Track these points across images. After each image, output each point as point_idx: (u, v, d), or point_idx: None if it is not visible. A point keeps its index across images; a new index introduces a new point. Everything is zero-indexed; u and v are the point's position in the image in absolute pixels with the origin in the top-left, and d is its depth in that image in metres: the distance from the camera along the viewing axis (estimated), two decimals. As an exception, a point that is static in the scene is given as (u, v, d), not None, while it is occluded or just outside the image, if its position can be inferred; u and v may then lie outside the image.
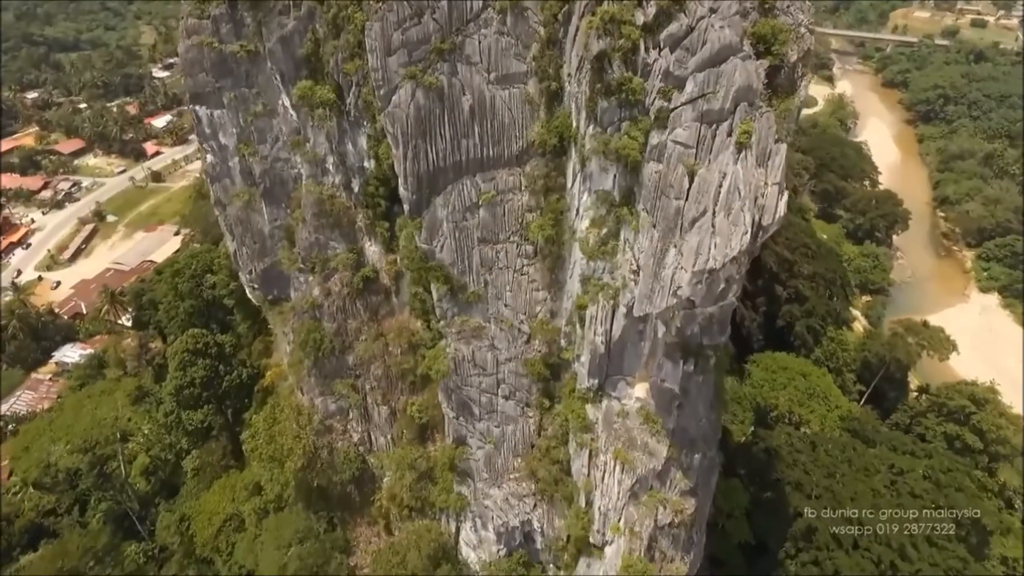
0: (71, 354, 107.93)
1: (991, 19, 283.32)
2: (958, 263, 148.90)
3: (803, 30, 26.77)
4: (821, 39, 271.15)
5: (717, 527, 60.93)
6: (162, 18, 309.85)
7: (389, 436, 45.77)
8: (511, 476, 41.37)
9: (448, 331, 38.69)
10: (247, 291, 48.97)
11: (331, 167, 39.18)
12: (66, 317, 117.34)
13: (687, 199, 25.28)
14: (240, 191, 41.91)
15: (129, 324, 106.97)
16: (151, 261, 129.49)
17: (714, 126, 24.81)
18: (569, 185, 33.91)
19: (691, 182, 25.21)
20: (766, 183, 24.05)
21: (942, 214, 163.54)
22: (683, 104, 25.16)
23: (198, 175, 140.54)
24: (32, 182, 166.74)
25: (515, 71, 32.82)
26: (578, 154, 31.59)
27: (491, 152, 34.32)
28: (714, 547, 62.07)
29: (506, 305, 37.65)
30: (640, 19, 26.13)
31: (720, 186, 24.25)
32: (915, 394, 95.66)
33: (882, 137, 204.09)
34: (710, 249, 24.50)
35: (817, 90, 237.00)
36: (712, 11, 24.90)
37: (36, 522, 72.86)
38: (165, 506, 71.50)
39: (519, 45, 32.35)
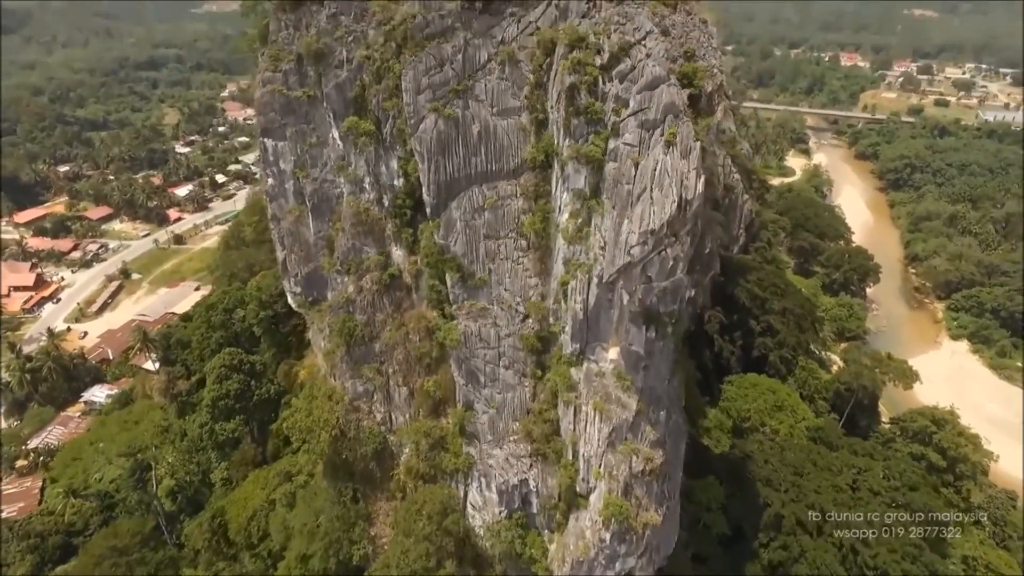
0: (99, 394, 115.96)
1: (952, 99, 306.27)
2: (930, 314, 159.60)
3: (715, 71, 37.94)
4: (797, 116, 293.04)
5: (699, 523, 67.88)
6: (184, 101, 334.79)
7: (408, 415, 54.18)
8: (511, 438, 49.61)
9: (459, 312, 48.20)
10: (289, 297, 58.48)
11: (368, 186, 49.95)
12: (94, 362, 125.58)
13: (634, 183, 35.60)
14: (292, 208, 52.54)
15: (154, 368, 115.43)
16: (173, 313, 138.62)
17: (651, 131, 35.48)
18: (553, 191, 44.46)
19: (636, 170, 35.60)
20: (688, 169, 34.36)
21: (913, 270, 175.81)
22: (628, 116, 35.98)
23: (224, 231, 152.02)
24: (63, 244, 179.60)
25: (512, 106, 44.17)
26: (559, 163, 42.32)
27: (494, 167, 45.19)
28: (697, 545, 68.79)
29: (506, 289, 47.37)
30: (598, 61, 37.55)
31: (655, 170, 34.63)
32: (887, 425, 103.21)
33: (855, 202, 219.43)
34: (650, 215, 34.59)
35: (795, 161, 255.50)
36: (648, 55, 36.18)
37: (67, 540, 79.17)
38: (190, 521, 77.99)
39: (514, 87, 43.83)
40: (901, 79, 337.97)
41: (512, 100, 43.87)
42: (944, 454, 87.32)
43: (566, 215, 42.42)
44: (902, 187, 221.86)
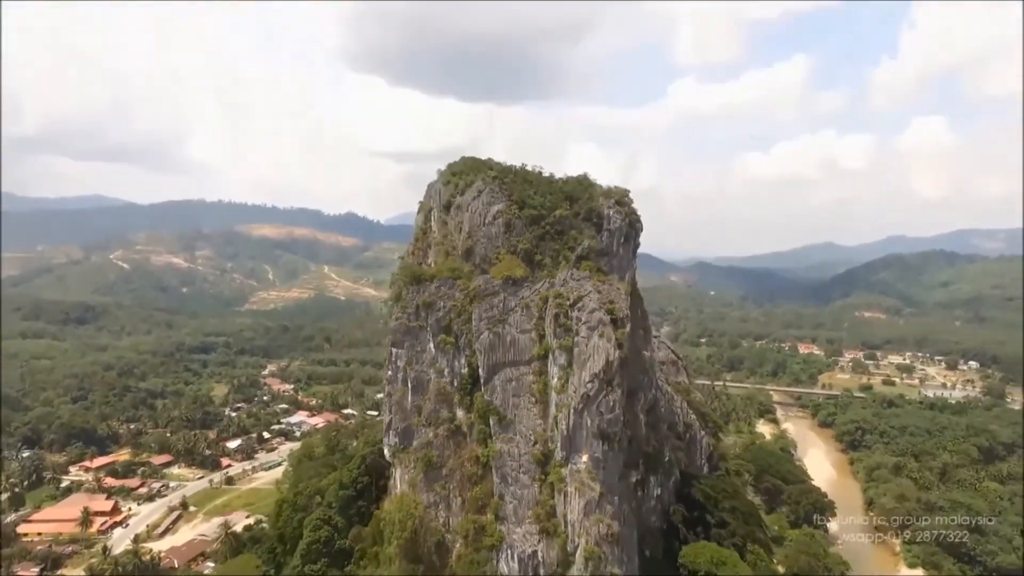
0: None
1: (897, 380, 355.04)
2: (889, 548, 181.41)
3: (624, 310, 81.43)
4: (764, 392, 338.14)
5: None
6: (231, 377, 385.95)
7: (460, 518, 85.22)
8: (527, 520, 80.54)
9: (497, 440, 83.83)
10: (386, 450, 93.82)
11: (446, 373, 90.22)
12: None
13: (585, 353, 76.05)
14: (400, 388, 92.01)
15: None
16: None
17: (592, 330, 77.30)
18: (549, 369, 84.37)
19: (587, 347, 76.41)
20: (611, 346, 75.10)
21: (872, 513, 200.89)
22: (582, 325, 78.18)
23: (287, 466, 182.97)
24: (132, 483, 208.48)
25: (527, 328, 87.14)
26: (551, 353, 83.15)
27: (517, 357, 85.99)
28: None
29: (523, 426, 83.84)
30: (568, 302, 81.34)
31: (594, 346, 75.34)
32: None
33: (820, 462, 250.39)
34: (593, 366, 74.28)
35: (764, 428, 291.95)
36: (590, 299, 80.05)
37: None
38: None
39: (527, 319, 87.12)
40: (851, 364, 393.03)
41: (527, 324, 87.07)
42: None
43: (556, 379, 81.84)
44: (858, 447, 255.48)
